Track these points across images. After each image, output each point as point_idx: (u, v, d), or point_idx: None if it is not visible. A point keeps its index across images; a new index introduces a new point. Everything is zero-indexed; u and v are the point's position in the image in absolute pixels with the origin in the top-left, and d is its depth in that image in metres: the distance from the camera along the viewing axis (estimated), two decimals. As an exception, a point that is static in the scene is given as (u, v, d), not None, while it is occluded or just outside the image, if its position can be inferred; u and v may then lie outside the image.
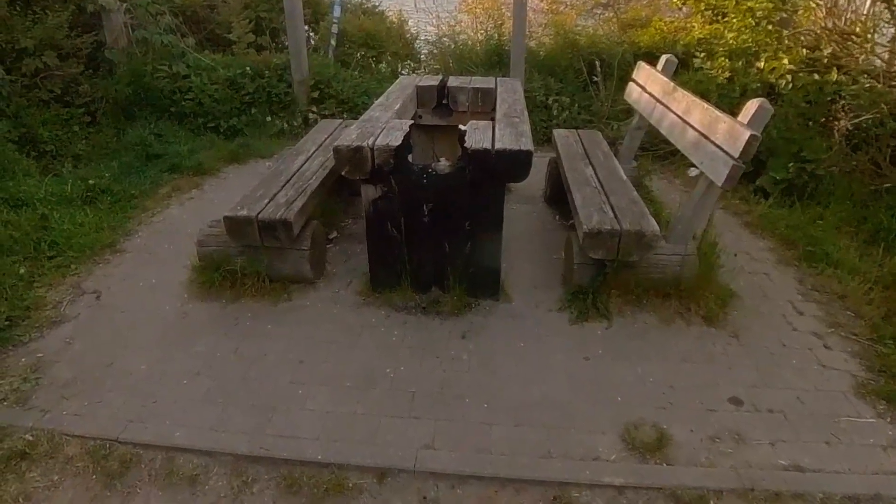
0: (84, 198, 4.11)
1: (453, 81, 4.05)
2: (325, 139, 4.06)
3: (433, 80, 4.06)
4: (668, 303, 3.03)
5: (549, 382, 2.58)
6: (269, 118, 5.61)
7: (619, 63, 5.76)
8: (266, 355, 2.73)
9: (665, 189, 4.62)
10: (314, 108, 5.67)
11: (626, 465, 2.18)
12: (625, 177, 3.41)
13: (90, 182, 4.23)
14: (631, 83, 4.15)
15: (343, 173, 2.75)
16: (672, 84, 3.46)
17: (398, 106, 3.41)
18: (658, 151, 5.05)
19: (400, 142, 2.69)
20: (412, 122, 3.06)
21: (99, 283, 3.30)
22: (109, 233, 3.78)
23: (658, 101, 3.58)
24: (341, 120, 4.50)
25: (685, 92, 3.27)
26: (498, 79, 4.17)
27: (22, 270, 3.25)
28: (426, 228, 2.88)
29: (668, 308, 3.01)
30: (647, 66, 3.96)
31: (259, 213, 2.94)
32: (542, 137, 5.38)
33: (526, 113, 3.31)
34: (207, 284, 3.15)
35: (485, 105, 3.95)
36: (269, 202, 3.06)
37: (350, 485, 2.11)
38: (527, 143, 2.68)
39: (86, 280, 3.33)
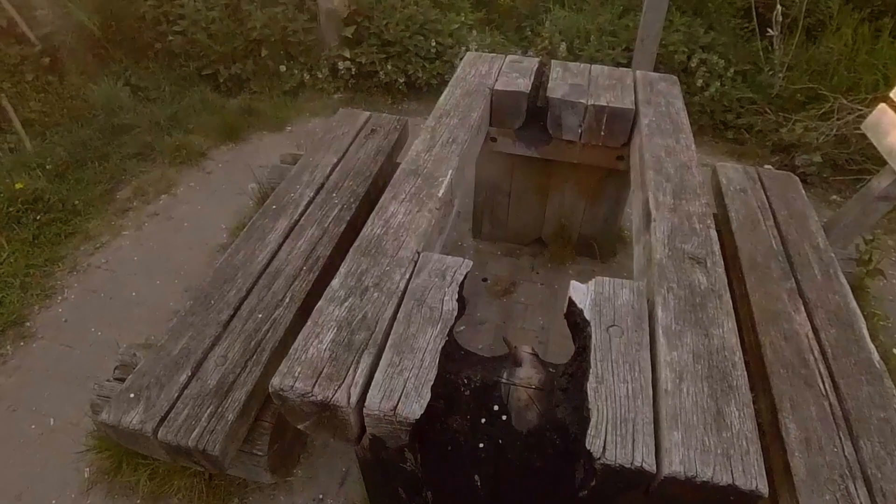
0: (4, 216, 2.74)
1: (557, 80, 2.18)
2: (333, 166, 2.34)
3: (520, 76, 2.19)
4: None
5: None
6: (283, 66, 3.83)
7: (811, 8, 3.49)
8: None
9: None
10: (347, 53, 3.81)
11: None
12: (879, 359, 1.64)
13: (17, 187, 2.82)
14: (885, 109, 2.08)
15: (300, 428, 1.19)
16: None
17: (452, 168, 1.68)
18: (847, 176, 3.05)
19: (424, 407, 1.06)
20: (461, 302, 1.36)
21: (-28, 420, 2.04)
22: (19, 295, 2.45)
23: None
24: (369, 114, 2.71)
25: None
26: (638, 76, 2.23)
27: None
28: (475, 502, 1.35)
29: None
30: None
31: (160, 426, 1.45)
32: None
33: (712, 221, 1.53)
34: (114, 473, 1.82)
35: (611, 137, 2.11)
36: (188, 381, 1.54)
37: None
38: (753, 467, 0.99)
39: (-43, 408, 2.08)
